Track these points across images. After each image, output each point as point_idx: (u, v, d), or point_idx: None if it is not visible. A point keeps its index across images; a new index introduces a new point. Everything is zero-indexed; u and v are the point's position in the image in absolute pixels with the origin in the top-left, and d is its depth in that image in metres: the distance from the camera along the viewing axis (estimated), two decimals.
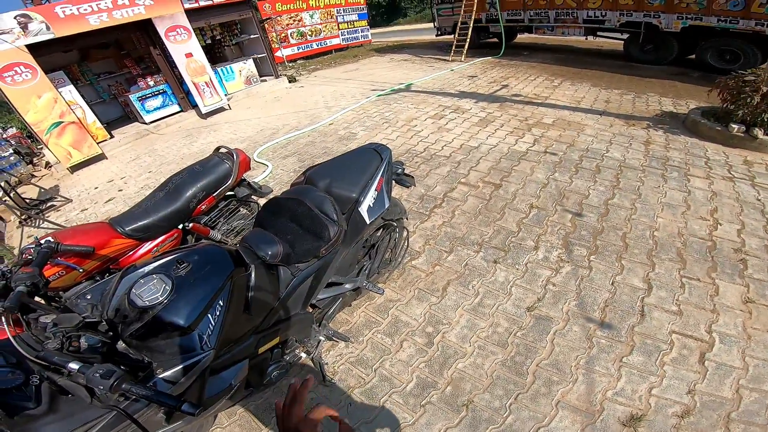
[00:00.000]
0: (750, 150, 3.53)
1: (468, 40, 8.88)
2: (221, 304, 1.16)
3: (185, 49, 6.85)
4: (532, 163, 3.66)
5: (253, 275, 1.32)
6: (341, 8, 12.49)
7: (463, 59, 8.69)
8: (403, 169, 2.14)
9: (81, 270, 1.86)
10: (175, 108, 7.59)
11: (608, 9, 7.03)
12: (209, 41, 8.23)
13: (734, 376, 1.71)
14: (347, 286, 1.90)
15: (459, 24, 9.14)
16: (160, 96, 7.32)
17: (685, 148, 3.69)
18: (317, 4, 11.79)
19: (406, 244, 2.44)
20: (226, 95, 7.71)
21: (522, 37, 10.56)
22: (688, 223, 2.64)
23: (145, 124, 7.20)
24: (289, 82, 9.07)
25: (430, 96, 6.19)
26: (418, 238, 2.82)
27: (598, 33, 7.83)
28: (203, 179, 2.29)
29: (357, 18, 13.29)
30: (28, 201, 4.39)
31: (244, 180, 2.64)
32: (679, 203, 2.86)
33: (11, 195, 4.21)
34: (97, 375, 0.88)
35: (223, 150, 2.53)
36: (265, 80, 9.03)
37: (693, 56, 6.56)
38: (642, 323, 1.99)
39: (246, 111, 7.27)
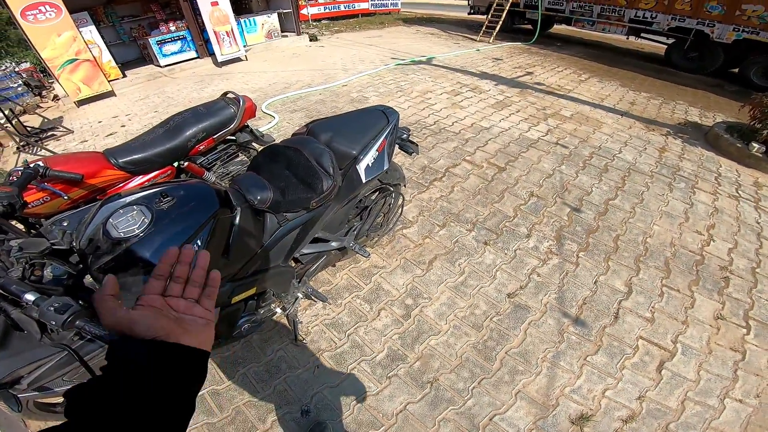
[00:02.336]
0: (764, 172, 3.42)
1: (500, 22, 8.51)
2: (199, 244, 1.10)
3: None
4: (540, 152, 3.57)
5: (237, 218, 1.27)
6: None
7: (491, 41, 8.36)
8: (409, 135, 2.08)
9: (66, 197, 1.79)
10: (192, 54, 7.49)
11: (660, 11, 6.66)
12: None
13: (684, 388, 1.73)
14: (333, 244, 1.88)
15: (494, 5, 8.74)
16: (179, 41, 7.23)
17: (699, 160, 3.58)
18: None
19: (400, 211, 2.41)
20: (245, 46, 7.54)
21: (558, 28, 10.07)
22: (682, 234, 2.61)
23: (160, 67, 7.12)
24: (310, 40, 8.81)
25: (449, 72, 6.00)
26: (413, 208, 2.80)
27: (642, 34, 7.45)
28: (205, 121, 2.25)
29: None
30: (29, 129, 4.37)
31: (247, 126, 2.59)
32: (679, 214, 2.81)
33: (12, 122, 4.19)
34: (51, 309, 0.80)
35: (230, 95, 2.47)
36: (286, 36, 8.79)
37: (736, 70, 6.27)
38: (614, 325, 1.99)
39: (262, 63, 7.11)
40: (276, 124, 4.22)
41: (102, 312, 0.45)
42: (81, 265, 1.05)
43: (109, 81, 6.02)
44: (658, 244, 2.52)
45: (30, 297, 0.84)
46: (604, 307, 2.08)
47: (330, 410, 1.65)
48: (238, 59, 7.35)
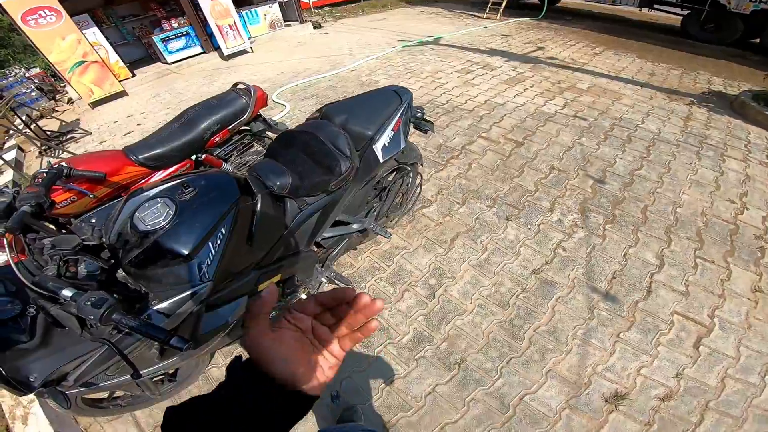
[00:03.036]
0: None
1: None
2: (223, 232, 1.10)
3: None
4: (558, 126, 3.47)
5: (259, 205, 1.27)
6: None
7: (498, 18, 8.11)
8: (423, 113, 2.04)
9: (92, 196, 1.83)
10: (198, 49, 7.47)
11: None
12: None
13: (724, 365, 1.67)
14: (354, 226, 1.88)
15: None
16: (183, 38, 7.21)
17: (727, 128, 3.42)
18: None
19: (418, 190, 2.39)
20: (249, 38, 7.48)
21: (566, 1, 9.71)
22: (714, 203, 2.51)
23: (167, 64, 7.14)
24: (314, 28, 8.70)
25: (458, 51, 5.85)
26: (431, 187, 2.77)
27: (655, 6, 7.10)
28: (219, 112, 2.25)
29: None
30: (48, 133, 4.45)
31: (260, 116, 2.59)
32: (709, 182, 2.70)
33: (31, 127, 4.27)
34: (88, 304, 0.82)
35: (240, 86, 2.46)
36: (290, 25, 8.69)
37: (757, 40, 5.94)
38: (647, 300, 1.93)
39: (268, 54, 7.06)
40: (288, 113, 4.21)
41: (250, 328, 0.43)
42: (112, 260, 1.06)
43: (119, 81, 6.08)
44: (689, 214, 2.43)
45: (67, 293, 0.86)
46: (635, 281, 2.02)
47: (359, 395, 1.65)
48: (243, 51, 7.31)
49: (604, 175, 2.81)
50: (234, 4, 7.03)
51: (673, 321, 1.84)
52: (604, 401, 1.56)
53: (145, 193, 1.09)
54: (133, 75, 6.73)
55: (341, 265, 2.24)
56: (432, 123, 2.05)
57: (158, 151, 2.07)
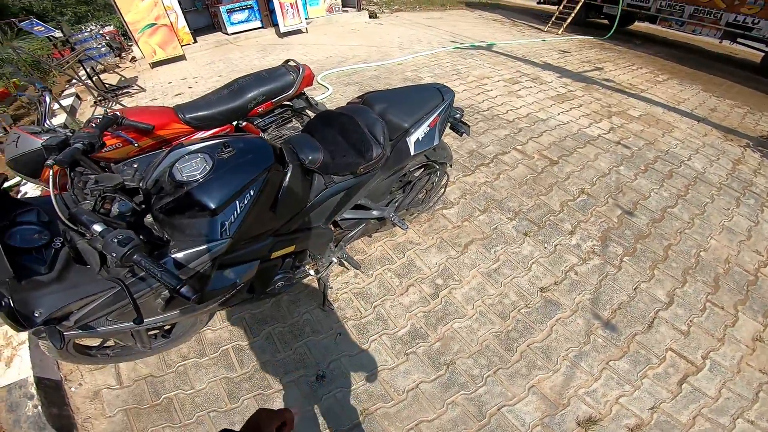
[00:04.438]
0: None
1: (573, 14, 7.93)
2: (251, 194, 1.15)
3: None
4: (598, 150, 3.36)
5: (288, 174, 1.32)
6: None
7: (559, 33, 7.84)
8: (462, 115, 2.06)
9: (136, 145, 1.95)
10: (257, 24, 7.77)
11: (764, 18, 5.86)
12: None
13: (701, 403, 1.65)
14: (374, 212, 1.91)
15: None
16: (246, 11, 7.52)
17: None
18: None
19: (443, 190, 2.41)
20: (306, 19, 7.68)
21: (639, 25, 9.18)
22: (741, 252, 2.41)
23: (227, 35, 7.48)
24: (370, 17, 8.79)
25: (510, 60, 5.74)
26: (456, 190, 2.78)
27: (739, 39, 6.62)
28: (266, 85, 2.37)
29: None
30: (107, 86, 4.77)
31: (304, 94, 2.69)
32: (742, 231, 2.58)
33: (93, 79, 4.59)
34: (115, 241, 0.85)
35: (291, 63, 2.57)
36: (347, 11, 8.83)
37: None
38: (645, 333, 1.90)
39: (321, 37, 7.22)
40: (329, 95, 4.32)
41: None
42: (143, 206, 1.12)
43: (181, 45, 6.42)
44: (712, 259, 2.34)
45: (97, 228, 0.90)
46: (639, 315, 1.99)
47: (345, 378, 1.70)
48: (299, 31, 7.52)
49: (635, 207, 2.72)
50: None
51: (666, 357, 1.82)
52: (576, 424, 1.56)
53: (187, 147, 1.18)
54: (195, 41, 7.10)
55: (354, 249, 2.31)
56: (469, 126, 2.06)
57: (204, 113, 2.21)
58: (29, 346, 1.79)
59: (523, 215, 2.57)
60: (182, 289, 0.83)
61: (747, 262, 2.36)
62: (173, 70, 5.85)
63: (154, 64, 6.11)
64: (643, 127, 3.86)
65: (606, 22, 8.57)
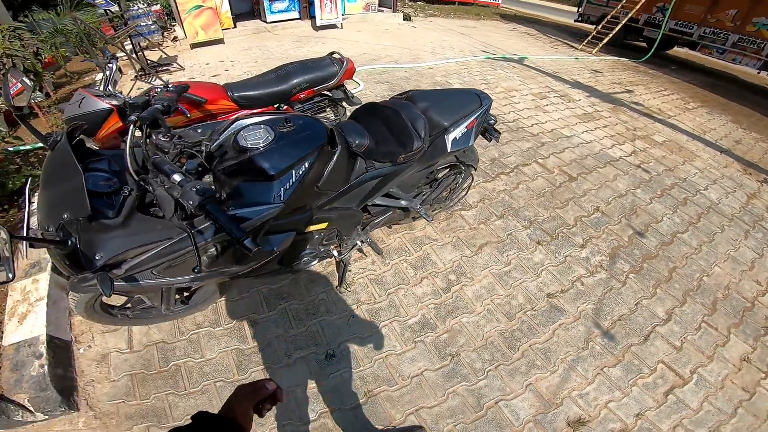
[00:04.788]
0: None
1: (611, 35, 7.90)
2: (306, 167, 1.26)
3: None
4: (618, 171, 3.43)
5: (336, 154, 1.44)
6: None
7: (594, 52, 7.84)
8: (495, 122, 2.16)
9: (188, 116, 2.10)
10: (295, 15, 7.96)
11: None
12: None
13: (682, 414, 1.72)
14: (402, 202, 2.02)
15: (609, 16, 8.13)
16: (287, 1, 7.72)
17: None
18: None
19: (465, 192, 2.53)
20: (342, 15, 7.85)
21: (678, 51, 9.11)
22: (741, 281, 2.49)
23: (265, 23, 7.69)
24: (404, 19, 8.91)
25: (540, 75, 5.80)
26: (475, 194, 2.89)
27: None
28: (311, 73, 2.53)
29: None
30: (148, 62, 4.99)
31: (343, 86, 2.85)
32: (746, 261, 2.65)
33: (138, 54, 4.80)
34: (193, 189, 0.92)
35: (336, 55, 2.74)
36: (382, 11, 8.98)
37: None
38: (641, 345, 1.99)
39: (355, 34, 7.38)
40: (360, 91, 4.46)
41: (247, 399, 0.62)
42: (200, 168, 1.20)
43: (222, 29, 6.64)
44: (713, 284, 2.43)
45: (177, 177, 0.98)
46: (637, 328, 2.08)
47: (353, 359, 1.77)
48: (333, 26, 7.69)
49: (646, 229, 2.80)
50: None
51: (657, 368, 1.90)
52: (566, 423, 1.64)
53: (252, 119, 1.31)
54: (234, 26, 7.31)
55: (374, 237, 2.40)
56: (499, 134, 2.17)
57: (252, 93, 2.37)
58: (47, 303, 1.78)
59: (538, 225, 2.68)
60: (246, 241, 0.89)
61: (746, 290, 2.44)
62: (211, 52, 6.07)
63: (194, 45, 6.34)
64: (666, 153, 3.91)
65: (644, 45, 8.52)
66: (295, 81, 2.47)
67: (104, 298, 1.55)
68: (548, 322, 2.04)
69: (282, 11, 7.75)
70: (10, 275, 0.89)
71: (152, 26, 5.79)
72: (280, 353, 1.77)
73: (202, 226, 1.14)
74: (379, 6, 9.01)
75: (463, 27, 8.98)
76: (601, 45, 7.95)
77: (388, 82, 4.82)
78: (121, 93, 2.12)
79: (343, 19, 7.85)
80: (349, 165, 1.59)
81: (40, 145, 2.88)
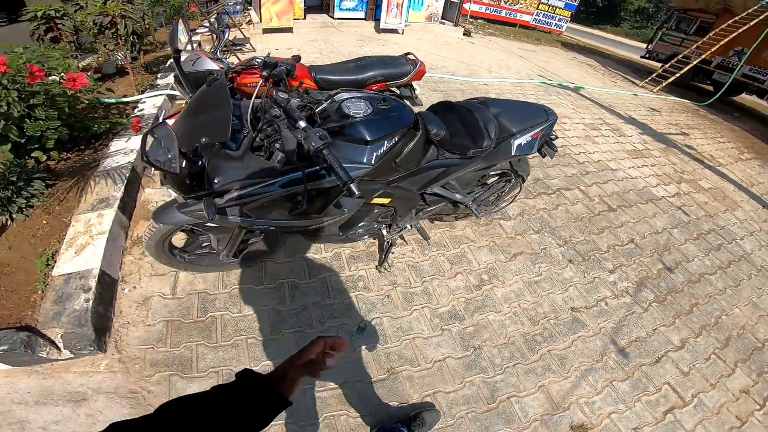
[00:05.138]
0: None
1: (678, 75, 7.70)
2: (395, 140, 1.48)
3: None
4: (658, 210, 3.50)
5: (417, 137, 1.63)
6: None
7: (655, 90, 7.70)
8: (555, 138, 2.30)
9: (301, 83, 2.30)
10: (361, 15, 8.36)
11: None
12: None
13: None
14: (457, 196, 2.14)
15: (680, 56, 7.95)
16: (356, 0, 8.11)
17: None
18: None
19: (511, 201, 2.69)
20: (405, 21, 8.15)
21: (744, 98, 8.76)
22: (757, 324, 2.58)
23: (332, 18, 8.11)
24: (464, 34, 9.11)
25: (594, 106, 5.85)
26: (516, 207, 3.05)
27: None
28: (387, 68, 2.79)
29: (563, 6, 12.28)
30: (227, 40, 5.43)
31: (411, 85, 3.09)
32: (765, 308, 2.73)
33: (222, 31, 5.24)
34: (317, 134, 1.07)
35: (410, 56, 2.99)
36: (443, 23, 9.22)
37: None
38: (651, 366, 2.10)
39: (415, 41, 7.64)
40: (416, 95, 4.68)
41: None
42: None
43: (293, 18, 7.08)
44: (730, 323, 2.53)
45: (302, 123, 1.13)
46: (651, 350, 2.19)
47: (382, 336, 1.88)
48: (395, 31, 8.00)
49: (676, 266, 2.88)
50: None
51: (662, 388, 2.00)
52: (569, 428, 1.73)
53: (353, 93, 1.56)
54: (304, 17, 7.78)
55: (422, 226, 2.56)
56: (556, 150, 2.31)
57: (332, 77, 2.64)
58: (107, 238, 1.78)
59: (572, 245, 2.81)
60: (351, 185, 1.02)
61: (760, 333, 2.53)
62: (280, 39, 6.46)
63: (266, 30, 6.75)
64: (709, 200, 3.92)
65: (710, 88, 8.27)
66: (371, 73, 2.72)
67: (174, 238, 1.69)
68: (569, 333, 2.17)
69: (350, 9, 8.16)
70: (177, 169, 1.12)
71: (237, 6, 6.26)
72: (314, 319, 1.88)
73: (309, 170, 1.31)
74: (442, 18, 9.26)
75: (522, 50, 9.07)
76: (665, 83, 7.79)
77: (443, 92, 5.03)
78: (226, 59, 2.46)
79: (406, 26, 8.14)
80: (424, 150, 1.78)
81: (123, 99, 3.26)
